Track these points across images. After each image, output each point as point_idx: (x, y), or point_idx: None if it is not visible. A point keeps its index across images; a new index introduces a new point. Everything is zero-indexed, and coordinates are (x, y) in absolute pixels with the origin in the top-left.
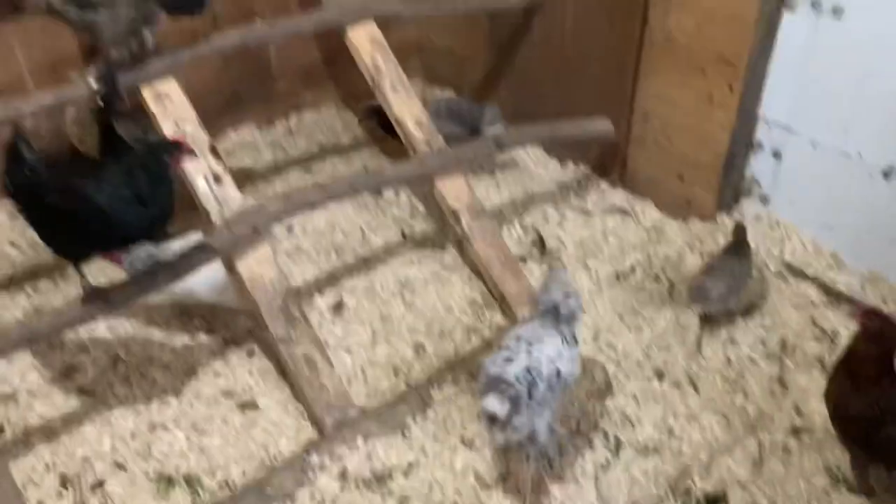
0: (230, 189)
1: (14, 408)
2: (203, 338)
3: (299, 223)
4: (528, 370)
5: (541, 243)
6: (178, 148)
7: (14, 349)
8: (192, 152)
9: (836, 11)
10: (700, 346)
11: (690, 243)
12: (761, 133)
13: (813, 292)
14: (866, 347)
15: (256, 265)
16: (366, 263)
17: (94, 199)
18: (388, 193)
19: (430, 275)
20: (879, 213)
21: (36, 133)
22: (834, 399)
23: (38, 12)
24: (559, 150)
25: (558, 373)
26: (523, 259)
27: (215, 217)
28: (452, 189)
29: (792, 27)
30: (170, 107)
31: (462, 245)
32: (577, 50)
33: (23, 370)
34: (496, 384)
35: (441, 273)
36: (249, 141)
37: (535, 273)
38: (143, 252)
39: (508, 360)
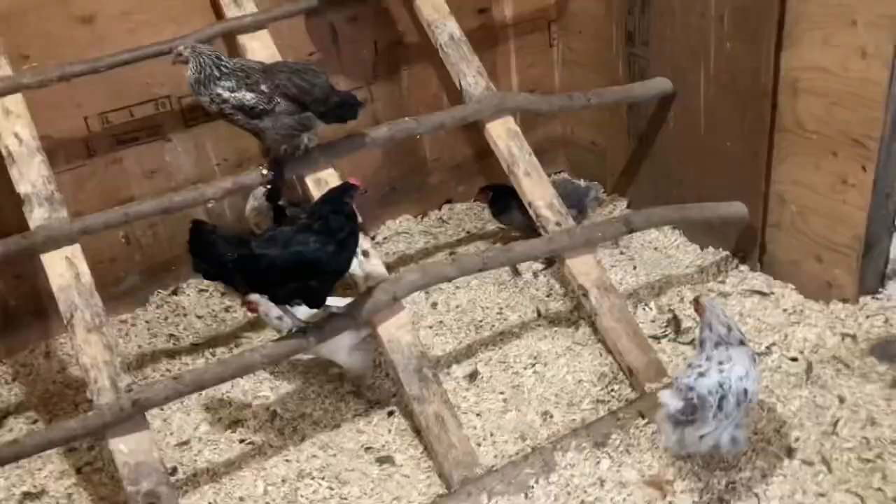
0: (376, 263)
1: (187, 452)
2: (350, 399)
3: (443, 301)
4: (721, 384)
5: (675, 323)
6: (353, 188)
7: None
8: (365, 191)
9: None
10: None
11: (832, 326)
12: None
13: None
14: None
15: (395, 329)
16: (501, 337)
17: (310, 253)
18: (528, 275)
19: (561, 349)
20: None
21: (221, 219)
22: None
23: (214, 111)
24: (699, 235)
25: (745, 391)
26: (657, 338)
27: (361, 286)
28: (582, 266)
29: None
30: (324, 188)
31: (592, 321)
32: (711, 137)
33: (196, 422)
34: (683, 391)
35: (572, 347)
36: (404, 229)
37: (666, 352)
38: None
39: (701, 374)
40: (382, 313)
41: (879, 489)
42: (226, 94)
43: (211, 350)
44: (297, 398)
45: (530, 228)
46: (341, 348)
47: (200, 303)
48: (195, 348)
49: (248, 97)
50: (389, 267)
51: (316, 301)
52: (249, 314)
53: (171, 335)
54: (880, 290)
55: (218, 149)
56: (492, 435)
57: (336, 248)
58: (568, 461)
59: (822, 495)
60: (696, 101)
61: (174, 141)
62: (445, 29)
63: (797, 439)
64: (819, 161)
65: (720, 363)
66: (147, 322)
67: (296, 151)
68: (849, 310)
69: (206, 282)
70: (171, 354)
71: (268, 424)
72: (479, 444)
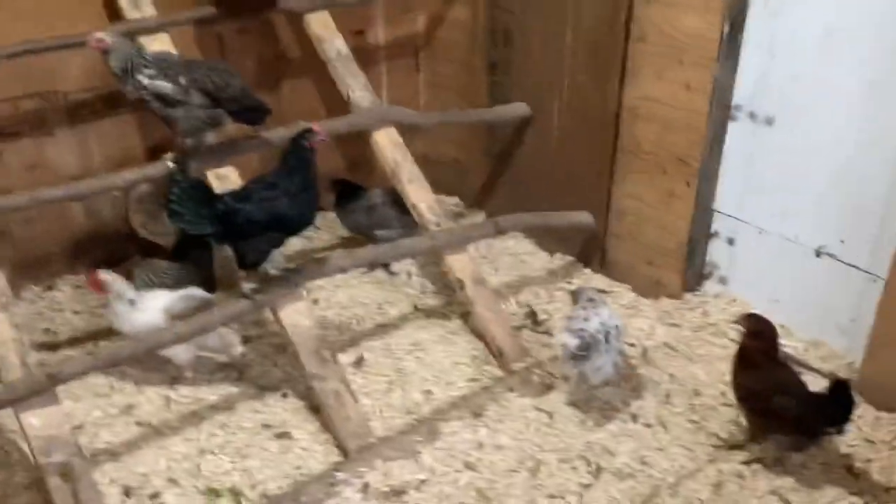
0: (276, 254)
1: (83, 436)
2: (242, 384)
3: (325, 298)
4: (602, 323)
5: (533, 316)
6: (310, 131)
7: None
8: (324, 137)
9: (769, 121)
10: None
11: (661, 318)
12: (716, 223)
13: None
14: (752, 342)
15: (295, 314)
16: (383, 329)
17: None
18: (402, 275)
19: (437, 337)
20: (815, 287)
21: (100, 217)
22: (737, 385)
23: (133, 97)
24: (549, 243)
25: (616, 326)
26: (518, 328)
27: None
28: (459, 263)
29: (736, 133)
30: (227, 185)
31: (466, 310)
32: (562, 157)
33: (88, 409)
34: (577, 332)
35: (447, 336)
36: None
37: (528, 339)
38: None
39: (587, 319)
40: (283, 299)
41: (702, 443)
42: (146, 82)
43: (93, 343)
44: (189, 385)
45: (368, 228)
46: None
47: (76, 298)
48: (76, 342)
49: (166, 86)
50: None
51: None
52: (97, 293)
53: (48, 329)
54: (698, 288)
55: (102, 147)
56: (381, 412)
57: (300, 201)
58: (451, 429)
59: (660, 449)
60: (549, 125)
61: (58, 136)
62: (333, 45)
63: (640, 407)
64: (652, 178)
65: (594, 310)
66: (20, 316)
67: (200, 146)
68: (675, 304)
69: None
70: (51, 347)
71: (163, 408)
72: (370, 421)
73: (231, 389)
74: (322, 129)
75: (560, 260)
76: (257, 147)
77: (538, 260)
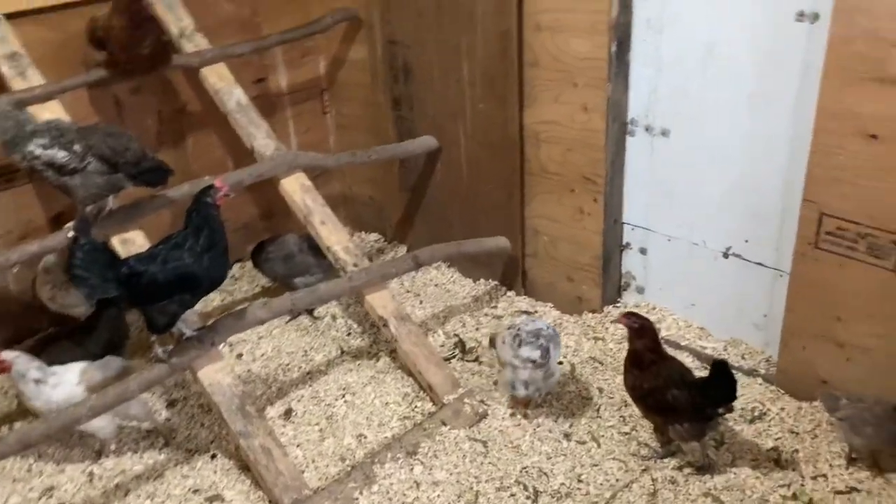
0: (190, 313)
1: None
2: (168, 450)
3: (248, 352)
4: (547, 328)
5: (461, 345)
6: (211, 187)
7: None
8: (227, 191)
9: (665, 133)
10: None
11: (585, 332)
12: (627, 235)
13: (689, 360)
14: (637, 341)
15: (214, 373)
16: (310, 376)
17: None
18: (327, 319)
19: (366, 378)
20: (727, 287)
21: (6, 292)
22: (631, 385)
23: (25, 167)
24: (471, 270)
25: (554, 332)
26: (447, 359)
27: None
28: (380, 301)
29: (635, 147)
30: (133, 249)
31: (392, 347)
32: (474, 184)
33: (4, 495)
34: (532, 337)
35: (376, 376)
36: None
37: (457, 369)
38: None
39: (527, 321)
40: (201, 359)
41: (634, 454)
42: (38, 152)
43: (8, 425)
44: (113, 457)
45: (287, 277)
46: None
47: None
48: None
49: (59, 155)
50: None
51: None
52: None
53: None
54: (618, 299)
55: (0, 221)
56: (313, 461)
57: (209, 259)
58: (386, 471)
59: (595, 465)
60: (458, 155)
61: None
62: (233, 96)
63: (571, 425)
64: (561, 197)
65: (531, 320)
66: None
67: (100, 212)
68: (597, 318)
69: None
70: None
71: (87, 485)
72: (303, 472)
73: (158, 457)
74: (225, 185)
75: (484, 285)
76: (161, 206)
77: (462, 288)
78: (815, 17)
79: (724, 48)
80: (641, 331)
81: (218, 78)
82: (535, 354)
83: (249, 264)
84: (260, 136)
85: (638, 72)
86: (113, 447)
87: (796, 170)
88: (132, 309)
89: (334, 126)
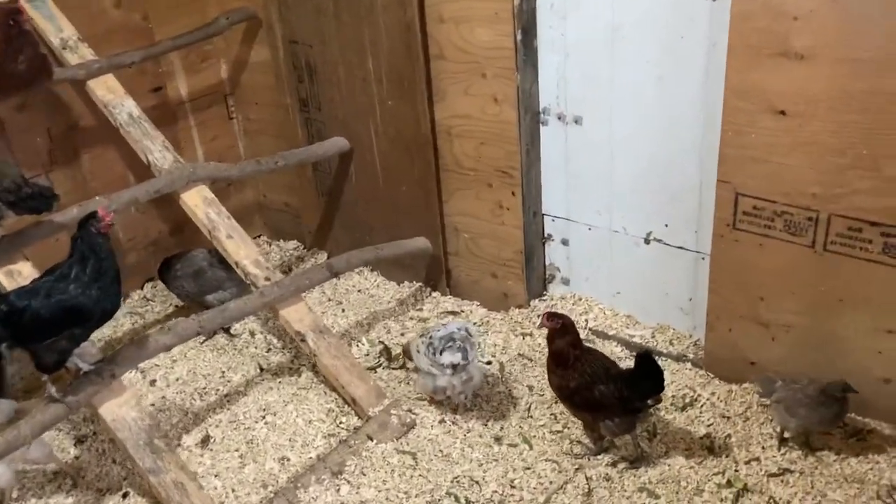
0: (86, 346)
1: None
2: (77, 492)
3: (162, 377)
4: (459, 329)
5: (387, 352)
6: (94, 216)
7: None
8: (111, 218)
9: (577, 121)
10: None
11: (513, 329)
12: (549, 226)
13: (618, 349)
14: (559, 340)
15: (118, 407)
16: (228, 399)
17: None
18: (244, 336)
19: (288, 396)
20: (650, 274)
21: None
22: (557, 385)
23: None
24: (395, 273)
25: (467, 329)
26: (372, 369)
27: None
28: (296, 314)
29: (549, 137)
30: (21, 280)
31: (313, 365)
32: (389, 184)
33: None
34: (448, 341)
35: (298, 393)
36: None
37: (383, 379)
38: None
39: (438, 327)
40: (102, 394)
41: (567, 453)
42: None
43: None
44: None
45: (198, 294)
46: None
47: None
48: None
49: None
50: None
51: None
52: None
53: None
54: (544, 292)
55: None
56: (233, 491)
57: (99, 290)
58: (310, 495)
59: (528, 468)
60: (370, 155)
61: None
62: (123, 109)
63: (502, 427)
64: (479, 193)
65: (442, 324)
66: None
67: None
68: (524, 313)
69: None
70: None
71: None
72: (222, 503)
73: (65, 501)
74: (108, 213)
75: (408, 288)
76: (50, 233)
77: (386, 292)
78: None
79: (628, 30)
80: (563, 329)
81: (106, 90)
82: (457, 357)
83: (161, 285)
84: (156, 150)
85: (546, 59)
86: (15, 494)
87: (710, 151)
88: (16, 349)
89: (242, 131)
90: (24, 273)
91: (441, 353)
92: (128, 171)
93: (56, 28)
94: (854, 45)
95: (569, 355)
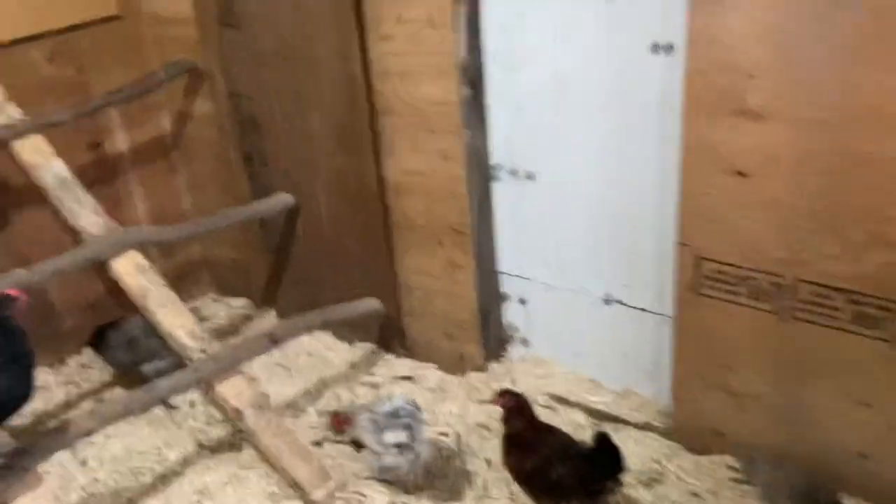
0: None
1: None
2: None
3: (95, 456)
4: (405, 405)
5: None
6: (8, 298)
7: None
8: (26, 301)
9: (530, 176)
10: None
11: (470, 395)
12: (505, 285)
13: (580, 416)
14: (514, 420)
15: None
16: (163, 480)
17: None
18: (185, 407)
19: (227, 477)
20: (612, 336)
21: None
22: (512, 468)
23: None
24: (347, 333)
25: (414, 404)
26: (319, 443)
27: None
28: (233, 389)
29: (502, 193)
30: None
31: (252, 441)
32: (338, 241)
33: None
34: (391, 418)
35: (238, 473)
36: (41, 384)
37: (331, 455)
38: None
39: (383, 402)
40: (14, 489)
41: None
42: None
43: None
44: None
45: (133, 364)
46: None
47: None
48: None
49: None
50: (25, 431)
51: None
52: None
53: None
54: (502, 354)
55: None
56: None
57: (8, 379)
58: None
59: None
60: (317, 211)
61: None
62: (50, 171)
63: None
64: (431, 250)
65: (382, 401)
66: None
67: None
68: (482, 377)
69: None
70: None
71: None
72: None
73: None
74: (23, 293)
75: (360, 349)
76: None
77: (337, 354)
78: (670, 48)
79: (578, 85)
80: (518, 409)
81: (33, 152)
82: (401, 437)
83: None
84: (84, 214)
85: (496, 113)
86: None
87: (667, 209)
88: None
89: (187, 186)
90: None
91: (383, 432)
92: (63, 233)
93: None
94: (811, 103)
95: (524, 436)
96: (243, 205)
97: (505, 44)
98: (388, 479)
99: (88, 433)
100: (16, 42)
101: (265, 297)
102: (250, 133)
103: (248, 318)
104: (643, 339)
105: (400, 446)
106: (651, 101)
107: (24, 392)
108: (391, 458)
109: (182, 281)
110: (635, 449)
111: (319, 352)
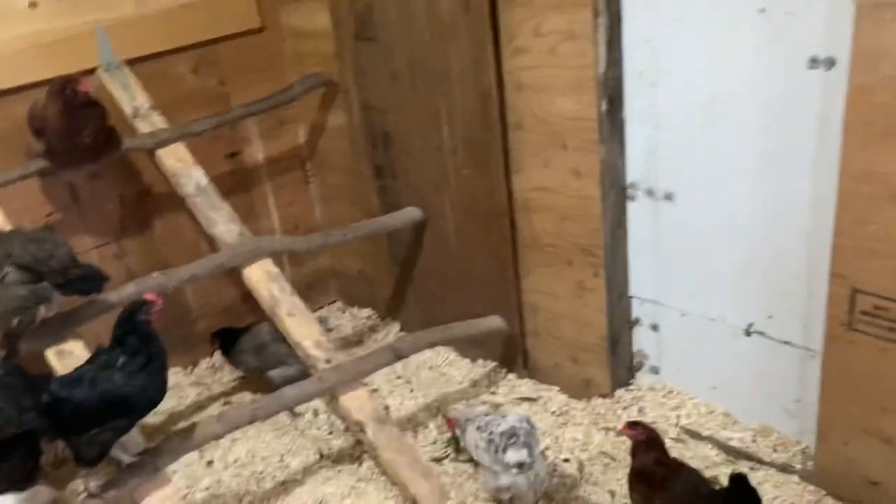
0: (134, 434)
1: None
2: None
3: (220, 458)
4: (521, 422)
5: (455, 442)
6: (145, 304)
7: None
8: (161, 305)
9: (669, 197)
10: None
11: (595, 422)
12: (637, 309)
13: (712, 452)
14: (643, 456)
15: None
16: (284, 487)
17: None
18: (308, 415)
19: (346, 489)
20: (751, 369)
21: None
22: (640, 498)
23: None
24: (469, 350)
25: (529, 422)
26: (438, 460)
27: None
28: (356, 401)
29: (637, 214)
30: (72, 361)
31: (372, 454)
32: (463, 258)
33: None
34: (510, 437)
35: (357, 486)
36: (173, 384)
37: (449, 472)
38: None
39: (496, 420)
40: (144, 488)
41: None
42: None
43: None
44: None
45: (260, 371)
46: None
47: None
48: None
49: None
50: (157, 430)
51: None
52: None
53: None
54: (631, 381)
55: None
56: None
57: (144, 379)
58: None
59: None
60: (444, 226)
61: None
62: (191, 179)
63: None
64: (559, 271)
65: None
66: None
67: (30, 324)
68: (607, 404)
69: None
70: None
71: None
72: None
73: None
74: (158, 298)
75: (482, 367)
76: (102, 312)
77: (459, 370)
78: (831, 63)
79: (727, 101)
80: (648, 443)
81: (175, 160)
82: (523, 455)
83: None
84: (221, 222)
85: (634, 130)
86: None
87: (822, 237)
88: (53, 441)
89: (319, 197)
90: (75, 353)
91: (504, 451)
92: (200, 237)
93: (129, 96)
94: None
95: (655, 473)
96: (372, 217)
97: (647, 57)
98: (505, 498)
99: (216, 437)
100: (162, 54)
101: (389, 309)
102: (381, 146)
103: (372, 329)
104: (785, 374)
105: (521, 465)
106: (807, 121)
107: (157, 393)
108: (508, 477)
109: (310, 290)
110: (774, 492)
111: (440, 367)
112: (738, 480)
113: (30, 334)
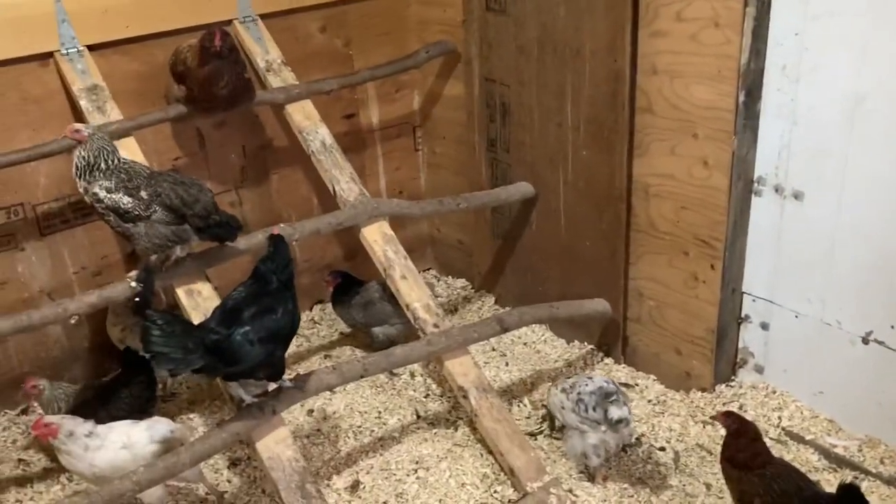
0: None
1: None
2: None
3: (320, 408)
4: (609, 382)
5: (550, 420)
6: (280, 237)
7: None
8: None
9: (797, 195)
10: None
11: (693, 414)
12: (748, 307)
13: (814, 457)
14: (738, 441)
15: (274, 445)
16: (381, 443)
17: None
18: (405, 376)
19: (442, 452)
20: (865, 378)
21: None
22: (738, 491)
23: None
24: (565, 330)
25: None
26: (533, 435)
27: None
28: (460, 368)
29: (761, 210)
30: (200, 301)
31: (472, 421)
32: (572, 237)
33: None
34: (604, 396)
35: (453, 450)
36: None
37: (544, 448)
38: None
39: (583, 381)
40: (261, 428)
41: None
42: (102, 194)
43: (67, 475)
44: None
45: (366, 325)
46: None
47: None
48: (48, 473)
49: (124, 200)
50: None
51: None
52: (43, 440)
53: (21, 460)
54: (733, 378)
55: (75, 257)
56: None
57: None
58: None
59: None
60: (556, 204)
61: (28, 250)
62: (317, 136)
63: None
64: (672, 259)
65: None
66: None
67: (166, 261)
68: (706, 398)
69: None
70: (21, 482)
71: None
72: None
73: None
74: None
75: (578, 349)
76: (231, 256)
77: (554, 349)
78: None
79: (877, 102)
80: (743, 429)
81: (303, 116)
82: (625, 412)
83: (329, 307)
84: (343, 180)
85: (769, 125)
86: None
87: None
88: (213, 377)
89: (425, 165)
90: (203, 293)
91: (605, 409)
92: (312, 193)
93: (263, 50)
94: None
95: (749, 457)
96: (475, 188)
97: (792, 51)
98: (592, 464)
99: (330, 387)
100: (295, 10)
101: (486, 281)
102: (498, 119)
103: (467, 300)
104: None
105: (622, 421)
106: None
107: (298, 324)
108: (597, 436)
109: (408, 255)
110: None
111: (535, 343)
112: (849, 490)
113: (164, 272)
